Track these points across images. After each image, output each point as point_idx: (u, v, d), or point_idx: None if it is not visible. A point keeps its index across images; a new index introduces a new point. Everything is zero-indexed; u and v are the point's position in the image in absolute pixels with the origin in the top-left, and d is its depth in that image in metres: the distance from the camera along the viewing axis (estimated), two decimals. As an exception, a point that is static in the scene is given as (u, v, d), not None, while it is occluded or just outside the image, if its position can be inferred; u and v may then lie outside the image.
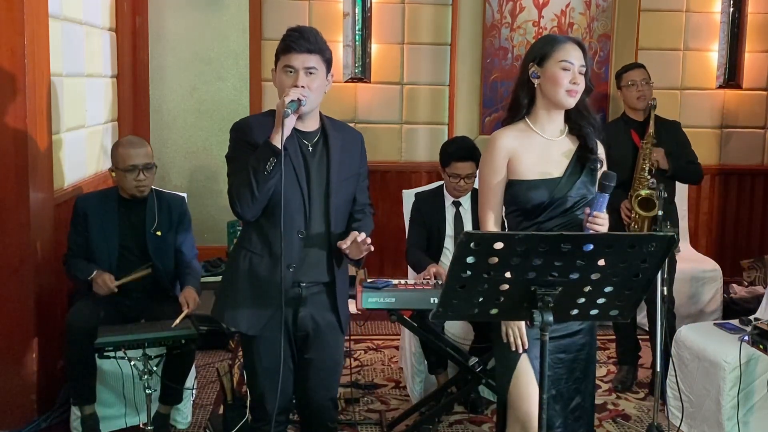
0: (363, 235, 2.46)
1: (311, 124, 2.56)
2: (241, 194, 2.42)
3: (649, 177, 3.91)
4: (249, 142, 2.47)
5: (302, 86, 2.42)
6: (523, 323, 2.43)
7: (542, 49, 2.50)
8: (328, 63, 2.52)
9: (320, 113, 2.60)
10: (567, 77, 2.44)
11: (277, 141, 2.37)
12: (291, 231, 2.49)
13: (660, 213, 3.48)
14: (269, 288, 2.49)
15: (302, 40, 2.43)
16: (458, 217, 3.80)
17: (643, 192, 3.90)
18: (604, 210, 2.38)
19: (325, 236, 2.55)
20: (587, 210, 2.40)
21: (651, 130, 3.95)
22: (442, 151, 3.83)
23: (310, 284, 2.55)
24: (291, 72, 2.45)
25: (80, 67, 4.19)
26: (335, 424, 2.80)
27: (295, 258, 2.51)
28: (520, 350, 2.45)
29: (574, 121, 2.53)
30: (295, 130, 2.47)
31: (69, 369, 3.39)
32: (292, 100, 2.37)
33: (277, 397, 2.51)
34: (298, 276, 2.53)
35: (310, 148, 2.54)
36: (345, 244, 2.44)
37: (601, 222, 2.36)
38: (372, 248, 2.49)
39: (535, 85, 2.50)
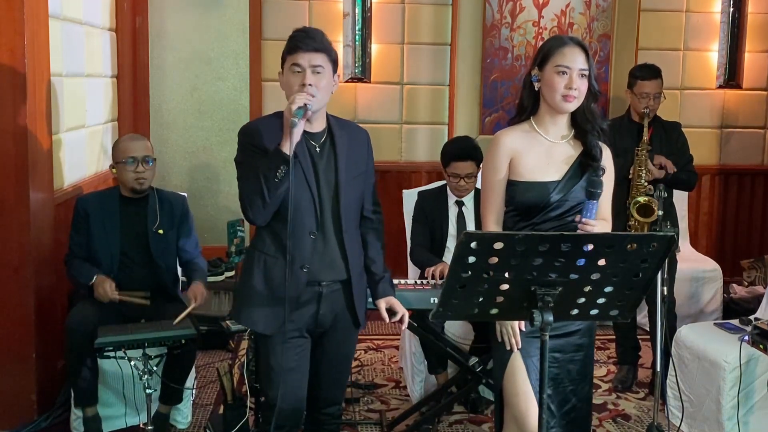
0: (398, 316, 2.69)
1: (318, 125, 2.57)
2: (252, 200, 2.45)
3: (646, 184, 3.91)
4: (257, 145, 2.48)
5: (309, 84, 2.44)
6: (516, 323, 2.45)
7: (543, 53, 2.50)
8: (334, 63, 2.54)
9: (326, 113, 2.61)
10: (562, 82, 2.44)
11: (287, 149, 2.38)
12: (302, 232, 2.51)
13: (660, 213, 3.47)
14: (283, 288, 2.50)
15: (308, 39, 2.46)
16: (461, 217, 3.79)
17: (641, 198, 3.89)
18: (594, 216, 2.40)
19: (338, 235, 2.57)
20: (578, 217, 2.42)
21: (646, 138, 3.95)
22: (442, 150, 3.84)
23: (329, 282, 2.58)
24: (298, 71, 2.47)
25: (80, 67, 4.19)
26: (340, 418, 2.82)
27: (308, 258, 2.52)
28: (515, 349, 2.46)
29: (580, 125, 2.53)
30: (302, 131, 2.49)
31: (70, 372, 3.38)
32: (299, 107, 2.38)
33: (279, 395, 2.50)
34: (316, 276, 2.54)
35: (318, 149, 2.55)
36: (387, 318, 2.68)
37: (590, 230, 2.37)
38: (405, 320, 2.72)
39: (536, 89, 2.51)
